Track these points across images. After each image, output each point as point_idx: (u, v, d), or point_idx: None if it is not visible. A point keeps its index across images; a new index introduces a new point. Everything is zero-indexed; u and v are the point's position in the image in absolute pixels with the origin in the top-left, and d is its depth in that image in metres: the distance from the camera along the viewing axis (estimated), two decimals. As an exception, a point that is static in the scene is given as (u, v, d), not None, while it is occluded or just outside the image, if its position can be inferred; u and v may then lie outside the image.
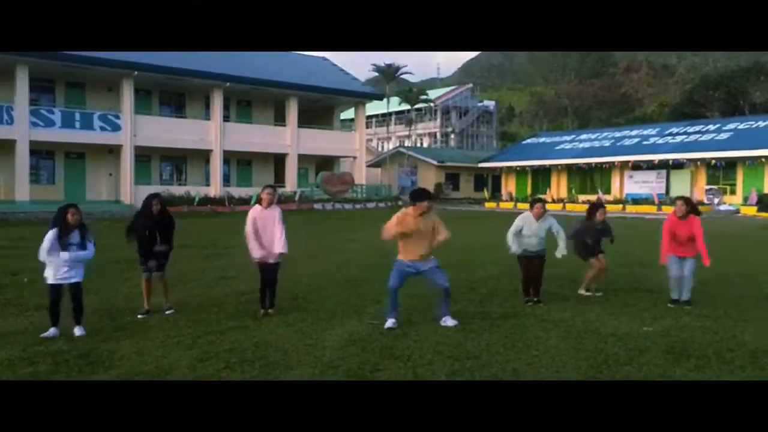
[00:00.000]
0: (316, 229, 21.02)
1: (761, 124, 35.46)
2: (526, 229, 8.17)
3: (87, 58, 27.79)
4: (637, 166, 37.39)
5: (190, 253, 12.88)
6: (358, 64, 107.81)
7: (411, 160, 49.23)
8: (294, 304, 8.09)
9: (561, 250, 8.30)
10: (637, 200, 35.24)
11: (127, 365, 5.51)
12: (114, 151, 31.48)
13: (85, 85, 31.56)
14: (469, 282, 9.91)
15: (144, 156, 32.32)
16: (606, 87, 71.74)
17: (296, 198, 33.32)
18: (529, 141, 50.93)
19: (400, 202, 34.84)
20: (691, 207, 8.20)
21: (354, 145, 39.57)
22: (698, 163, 34.74)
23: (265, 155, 36.95)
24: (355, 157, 39.77)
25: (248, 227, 7.57)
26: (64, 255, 6.46)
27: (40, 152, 29.60)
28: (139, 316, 7.46)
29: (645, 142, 38.74)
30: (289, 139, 36.08)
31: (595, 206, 9.21)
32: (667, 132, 39.52)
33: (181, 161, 34.97)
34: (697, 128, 38.43)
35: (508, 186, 45.87)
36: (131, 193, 30.14)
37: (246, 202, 30.66)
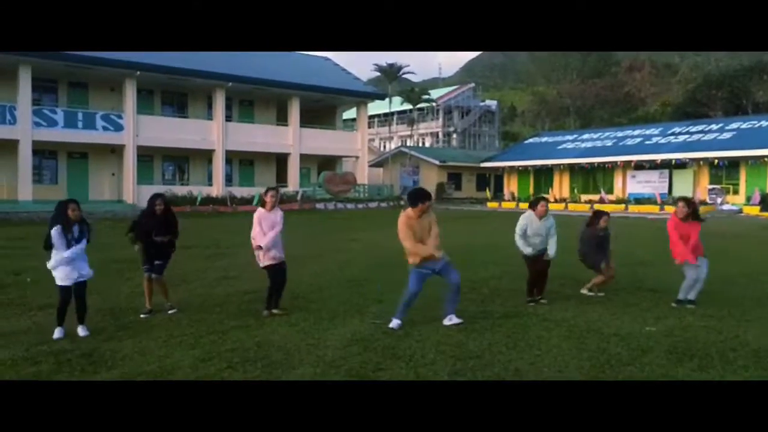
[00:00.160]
0: (318, 229, 21.02)
1: (764, 123, 35.39)
2: (529, 229, 8.15)
3: (90, 58, 27.84)
4: (639, 166, 37.35)
5: (192, 253, 12.89)
6: (360, 64, 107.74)
7: (413, 159, 49.22)
8: (296, 304, 8.09)
9: (551, 250, 8.24)
10: (639, 200, 35.20)
11: (130, 365, 5.51)
12: (117, 150, 31.54)
13: (87, 85, 31.61)
14: (471, 282, 9.89)
15: (146, 156, 32.36)
16: (608, 86, 71.65)
17: (298, 198, 33.33)
18: (531, 141, 50.90)
19: (402, 202, 34.82)
20: (693, 210, 8.16)
21: (356, 144, 39.57)
22: (701, 162, 34.69)
23: (267, 155, 36.98)
24: (357, 157, 39.77)
25: (255, 230, 7.58)
26: (67, 254, 6.47)
27: (43, 152, 29.67)
28: (141, 316, 7.47)
29: (647, 142, 38.69)
30: (292, 138, 36.10)
31: (599, 213, 9.17)
32: (669, 131, 39.47)
33: (183, 161, 35.02)
34: (700, 128, 38.37)
35: (511, 186, 45.84)
36: (134, 192, 30.19)
37: (248, 202, 30.69)
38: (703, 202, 31.63)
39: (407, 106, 61.81)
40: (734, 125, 36.80)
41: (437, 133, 75.88)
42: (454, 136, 75.82)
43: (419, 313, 7.41)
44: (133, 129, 30.53)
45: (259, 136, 35.28)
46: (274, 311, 7.60)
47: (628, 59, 76.63)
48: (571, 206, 35.46)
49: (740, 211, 30.36)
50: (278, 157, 37.42)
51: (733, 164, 33.74)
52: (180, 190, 31.12)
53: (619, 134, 42.73)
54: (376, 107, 59.46)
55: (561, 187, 42.32)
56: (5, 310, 7.86)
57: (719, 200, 32.33)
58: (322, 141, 37.88)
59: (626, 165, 37.99)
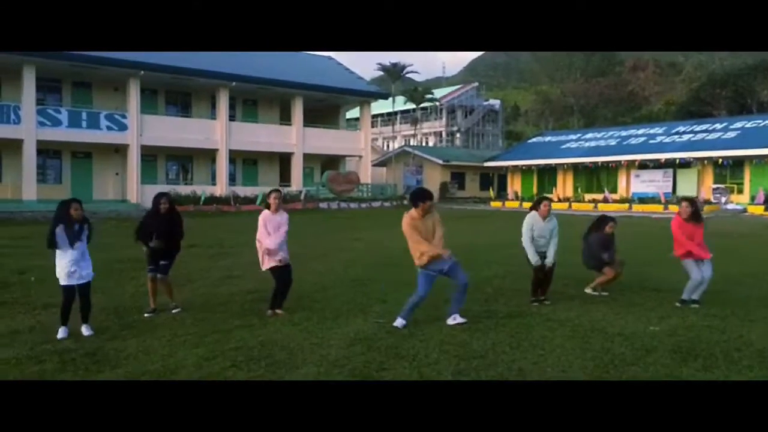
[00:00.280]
0: (322, 229, 21.03)
1: (769, 122, 35.30)
2: (536, 230, 8.08)
3: (94, 58, 27.89)
4: (643, 165, 37.27)
5: (196, 253, 12.91)
6: (363, 64, 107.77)
7: (416, 159, 49.19)
8: (299, 303, 8.09)
9: (550, 259, 8.15)
10: (643, 199, 35.10)
11: (134, 364, 5.53)
12: (120, 150, 31.59)
13: (91, 85, 31.66)
14: (475, 281, 9.86)
15: (150, 155, 32.41)
16: (612, 85, 71.57)
17: (302, 197, 33.34)
18: (534, 140, 50.82)
19: (405, 201, 34.80)
20: (694, 210, 8.15)
21: (359, 144, 39.57)
22: (705, 161, 34.60)
23: (270, 154, 37.00)
24: (360, 157, 39.78)
25: (260, 232, 7.60)
26: (73, 253, 6.48)
27: (47, 152, 29.73)
28: (145, 315, 7.48)
29: (651, 141, 38.60)
30: (295, 138, 36.12)
31: (605, 219, 9.17)
32: (673, 131, 39.37)
33: (187, 160, 35.06)
34: (704, 127, 38.26)
35: (514, 185, 45.78)
36: (138, 192, 30.23)
37: (252, 201, 30.73)
38: (708, 202, 31.55)
39: (410, 106, 61.88)
40: (738, 124, 36.68)
41: (440, 132, 75.85)
42: (458, 135, 75.78)
43: (423, 313, 7.41)
44: (137, 128, 30.58)
45: (262, 135, 35.30)
46: (278, 311, 7.62)
47: (632, 58, 76.56)
48: (575, 206, 35.38)
49: (744, 210, 30.27)
50: (281, 157, 37.44)
51: (738, 163, 33.64)
52: (183, 189, 31.15)
53: (623, 133, 42.64)
54: (380, 107, 59.56)
55: (564, 186, 42.25)
56: (10, 309, 7.88)
57: (723, 200, 32.25)
58: (325, 140, 37.88)
59: (630, 164, 37.90)
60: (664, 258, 8.43)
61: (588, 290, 8.91)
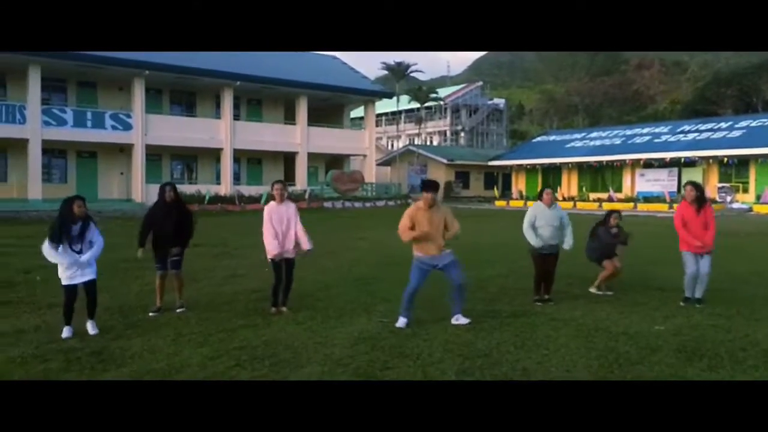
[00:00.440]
0: (326, 228, 21.03)
1: (774, 121, 35.18)
2: (539, 218, 8.12)
3: (99, 58, 27.97)
4: (648, 164, 37.21)
5: (200, 252, 12.92)
6: (367, 63, 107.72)
7: (421, 158, 49.20)
8: (303, 302, 8.10)
9: (568, 242, 8.25)
10: (648, 198, 35.05)
11: (139, 363, 5.54)
12: (125, 150, 31.67)
13: (96, 85, 31.75)
14: (479, 280, 9.88)
15: (155, 155, 32.48)
16: (617, 84, 71.47)
17: (306, 196, 33.37)
18: (539, 139, 50.77)
19: (409, 201, 34.81)
20: (701, 193, 8.11)
21: (364, 143, 39.59)
22: (710, 160, 34.51)
23: (275, 154, 37.04)
24: (364, 156, 39.79)
25: (265, 224, 7.61)
26: (73, 257, 6.46)
27: (53, 151, 29.83)
28: (150, 314, 7.49)
29: (656, 140, 38.53)
30: (299, 137, 36.15)
31: (609, 212, 9.22)
32: (678, 129, 39.29)
33: (191, 160, 35.12)
34: (710, 126, 38.17)
35: (519, 184, 45.76)
36: (142, 191, 30.30)
37: (256, 200, 30.76)
38: (713, 201, 31.46)
39: (415, 105, 61.79)
40: (744, 123, 36.58)
41: (445, 131, 75.79)
42: (462, 134, 75.69)
43: (427, 312, 7.41)
44: (142, 128, 30.65)
45: (267, 134, 35.34)
46: (283, 309, 7.64)
47: (637, 57, 76.37)
48: (580, 205, 35.34)
49: (750, 209, 30.19)
50: (286, 156, 37.48)
51: (743, 162, 33.55)
52: (188, 188, 31.16)
53: (628, 132, 42.57)
54: (384, 106, 59.52)
55: (569, 185, 42.20)
56: (15, 308, 7.90)
57: (729, 198, 32.16)
58: (329, 140, 37.91)
59: (635, 163, 37.84)
60: (668, 257, 8.41)
61: (593, 290, 8.90)
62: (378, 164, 45.70)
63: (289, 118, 37.54)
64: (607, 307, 7.89)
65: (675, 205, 30.07)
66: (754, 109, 53.84)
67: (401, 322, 6.83)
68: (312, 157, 37.25)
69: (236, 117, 34.75)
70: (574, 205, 35.05)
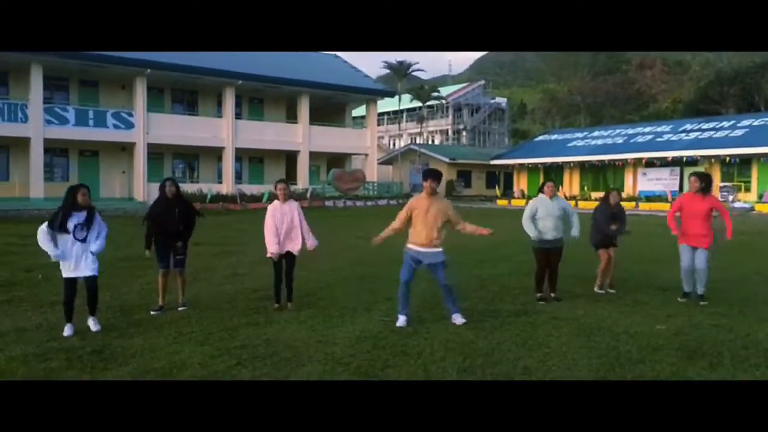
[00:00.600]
0: (327, 226, 21.03)
1: (776, 120, 35.12)
2: (541, 209, 8.12)
3: (101, 57, 28.01)
4: (650, 163, 37.16)
5: (201, 250, 12.93)
6: (369, 62, 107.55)
7: (422, 157, 49.19)
8: (305, 301, 8.10)
9: (575, 231, 8.27)
10: (650, 197, 35.02)
11: (140, 361, 5.54)
12: (127, 148, 31.70)
13: (98, 83, 31.78)
14: (480, 279, 9.89)
15: (157, 153, 32.50)
16: (619, 83, 71.35)
17: (308, 195, 33.38)
18: (541, 138, 50.73)
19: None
20: (706, 183, 8.07)
21: (365, 142, 39.58)
22: (712, 160, 34.46)
23: (276, 152, 37.06)
24: (366, 155, 39.80)
25: (267, 222, 7.68)
26: (74, 244, 6.45)
27: (54, 150, 29.87)
28: (152, 313, 7.49)
29: (658, 139, 38.48)
30: (301, 136, 36.16)
31: (609, 191, 9.22)
32: (680, 128, 39.24)
33: (193, 159, 35.15)
34: (712, 125, 38.12)
35: (520, 183, 45.74)
36: (144, 190, 30.33)
37: (258, 199, 30.78)
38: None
39: (417, 104, 61.83)
40: (746, 122, 36.53)
41: (447, 130, 75.78)
42: (464, 133, 75.67)
43: (428, 311, 7.42)
44: (144, 127, 30.67)
45: (268, 133, 35.36)
46: (288, 305, 7.73)
47: (639, 56, 76.28)
48: (582, 204, 35.30)
49: (752, 208, 30.14)
50: (288, 155, 37.50)
51: (745, 161, 33.50)
52: (190, 187, 31.24)
53: (630, 131, 42.52)
54: (386, 105, 59.54)
55: (571, 184, 42.17)
56: (17, 306, 7.91)
57: (731, 198, 32.10)
58: (331, 138, 37.91)
59: (637, 162, 37.80)
60: (670, 256, 8.39)
61: (596, 289, 8.90)
62: (379, 163, 45.69)
63: (291, 116, 37.55)
64: (608, 306, 7.89)
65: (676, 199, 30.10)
66: (757, 109, 53.72)
67: (401, 320, 6.83)
68: (314, 156, 37.26)
69: (238, 116, 34.77)
70: (576, 204, 34.99)
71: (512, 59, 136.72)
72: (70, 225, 6.44)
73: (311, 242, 7.82)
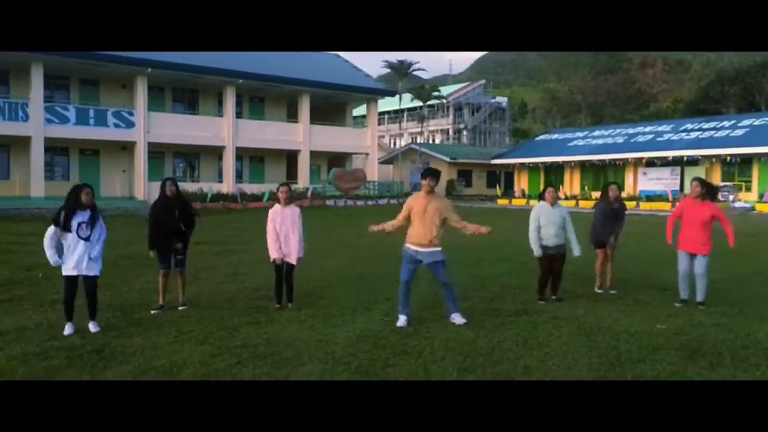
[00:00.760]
0: (328, 226, 21.05)
1: (777, 120, 35.09)
2: (543, 218, 8.07)
3: (101, 56, 27.98)
4: (651, 163, 37.13)
5: (202, 250, 12.93)
6: (370, 61, 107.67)
7: (423, 156, 49.19)
8: (305, 301, 8.10)
9: (575, 249, 8.18)
10: (650, 197, 35.01)
11: (140, 360, 5.54)
12: (128, 147, 31.69)
13: (99, 82, 31.76)
14: (481, 279, 9.89)
15: (157, 152, 32.49)
16: (620, 83, 71.31)
17: (308, 194, 33.37)
18: (541, 137, 50.71)
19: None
20: (708, 189, 8.03)
21: (366, 141, 39.56)
22: (713, 159, 34.45)
23: (277, 152, 37.05)
24: (367, 154, 39.77)
25: (268, 226, 7.73)
26: (75, 242, 6.46)
27: (55, 149, 29.85)
28: (152, 312, 7.49)
29: (659, 139, 38.46)
30: (302, 135, 36.15)
31: (608, 184, 9.18)
32: (681, 128, 39.21)
33: (194, 158, 35.14)
34: (712, 124, 38.10)
35: (521, 183, 45.72)
36: (145, 189, 30.32)
37: (258, 198, 30.78)
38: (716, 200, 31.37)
39: (417, 103, 61.80)
40: (747, 122, 36.50)
41: (447, 130, 75.76)
42: (465, 133, 75.66)
43: (428, 311, 7.42)
44: (144, 126, 30.66)
45: (269, 132, 35.33)
46: (288, 305, 7.76)
47: (640, 56, 76.23)
48: (582, 203, 35.28)
49: (753, 208, 30.12)
50: (288, 154, 37.49)
51: (746, 161, 33.48)
52: (191, 186, 31.22)
53: (631, 131, 42.50)
54: (387, 104, 59.53)
55: (572, 184, 42.15)
56: (17, 305, 7.91)
57: (731, 197, 32.09)
58: (332, 138, 37.90)
59: (637, 162, 37.77)
60: (670, 256, 8.38)
61: (596, 289, 8.89)
62: (380, 162, 45.68)
63: (292, 116, 37.53)
64: (608, 305, 7.89)
65: (677, 204, 30.09)
66: (758, 108, 53.69)
67: (401, 320, 6.82)
68: (314, 155, 37.25)
69: (239, 115, 34.76)
70: (577, 204, 34.99)
71: (513, 58, 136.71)
72: (74, 223, 6.45)
73: (299, 253, 7.80)
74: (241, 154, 35.25)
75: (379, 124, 54.06)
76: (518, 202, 39.36)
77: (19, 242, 14.89)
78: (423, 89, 57.88)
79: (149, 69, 29.97)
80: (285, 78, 34.66)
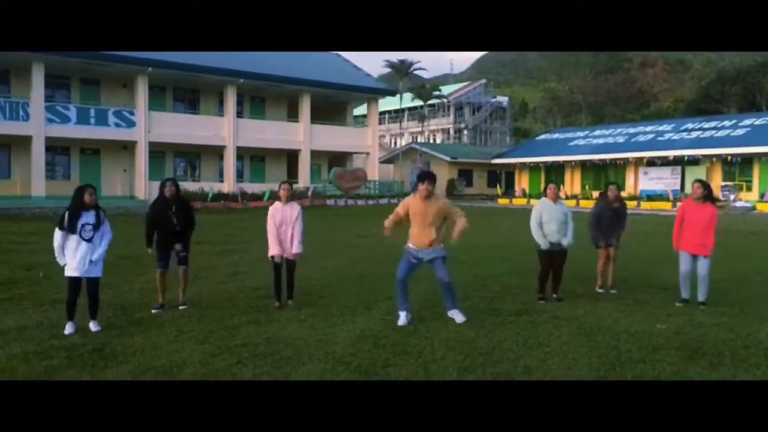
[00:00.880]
0: (329, 225, 21.06)
1: (778, 119, 35.07)
2: (545, 214, 8.12)
3: (102, 55, 27.97)
4: (651, 163, 37.11)
5: (203, 249, 12.93)
6: (370, 60, 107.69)
7: (424, 156, 49.18)
8: (306, 300, 8.11)
9: (568, 239, 8.20)
10: (651, 197, 34.99)
11: (140, 359, 5.54)
12: (128, 147, 31.70)
13: (99, 82, 31.77)
14: (481, 279, 9.89)
15: (158, 152, 32.50)
16: (620, 82, 71.25)
17: (309, 194, 33.37)
18: (542, 137, 50.70)
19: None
20: (709, 192, 8.04)
21: (366, 141, 39.55)
22: (714, 159, 34.42)
23: (278, 151, 37.06)
24: (367, 153, 39.77)
25: (269, 223, 7.74)
26: (78, 243, 6.48)
27: (56, 148, 29.86)
28: (153, 311, 7.50)
29: (660, 138, 38.44)
30: (302, 135, 36.15)
31: (608, 185, 9.18)
32: (682, 128, 39.19)
33: (194, 157, 35.14)
34: (713, 124, 38.07)
35: (522, 182, 45.70)
36: (146, 188, 30.33)
37: (259, 198, 30.78)
38: (717, 199, 31.35)
39: (418, 103, 61.76)
40: (748, 121, 36.47)
41: (448, 129, 75.73)
42: (465, 132, 75.62)
43: (428, 310, 7.43)
44: (145, 125, 30.67)
45: (270, 132, 35.34)
46: (288, 302, 7.79)
47: (641, 55, 76.17)
48: (583, 203, 35.27)
49: (753, 208, 30.11)
50: (289, 154, 37.49)
51: (747, 161, 33.45)
52: (191, 186, 31.23)
53: (631, 130, 42.47)
54: (387, 103, 59.49)
55: (572, 183, 42.13)
56: (18, 304, 7.92)
57: (732, 197, 32.07)
58: (332, 137, 37.90)
59: (638, 161, 37.75)
60: (671, 256, 8.38)
61: (597, 289, 8.89)
62: (381, 162, 45.68)
63: (292, 115, 37.54)
64: (609, 305, 7.88)
65: (678, 203, 30.09)
66: (758, 108, 53.64)
67: (402, 318, 6.83)
68: (315, 154, 37.25)
69: (239, 114, 34.77)
70: (578, 203, 34.98)
71: (514, 58, 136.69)
72: (78, 225, 6.47)
73: (296, 248, 7.78)
74: (242, 153, 35.26)
75: (380, 124, 53.97)
76: (519, 202, 39.35)
77: (19, 241, 14.91)
78: (424, 89, 57.84)
79: (150, 68, 29.98)
80: (286, 77, 34.66)
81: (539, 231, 8.11)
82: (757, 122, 35.79)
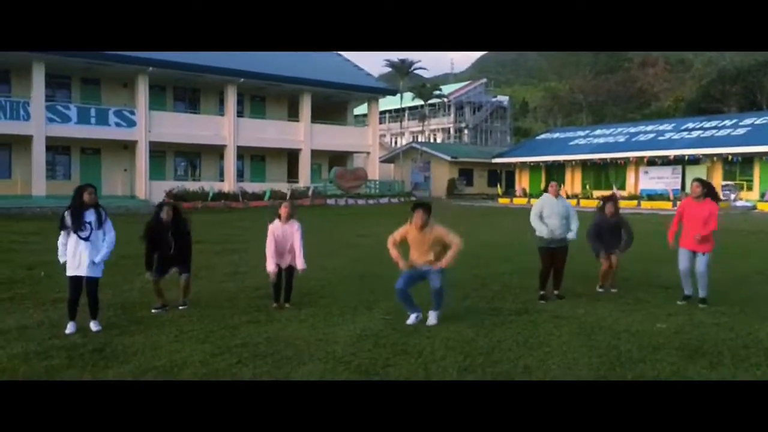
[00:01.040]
0: (329, 225, 21.06)
1: (779, 119, 35.04)
2: (546, 209, 8.18)
3: (103, 55, 27.95)
4: (652, 162, 37.08)
5: (203, 249, 12.92)
6: (371, 60, 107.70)
7: (424, 155, 49.15)
8: (306, 300, 8.12)
9: (572, 234, 8.28)
10: (652, 196, 34.96)
11: (141, 359, 5.55)
12: (129, 146, 31.70)
13: (100, 81, 31.77)
14: (481, 278, 9.89)
15: (159, 151, 32.50)
16: (621, 82, 71.23)
17: (309, 193, 33.37)
18: (543, 136, 50.68)
19: (413, 198, 34.79)
20: (708, 189, 8.02)
21: (367, 140, 39.54)
22: (714, 158, 34.40)
23: (278, 151, 37.05)
24: (368, 153, 39.75)
25: (268, 242, 7.75)
26: (78, 242, 6.49)
27: (56, 148, 29.85)
28: (153, 311, 7.50)
29: (660, 138, 38.42)
30: (303, 134, 36.14)
31: (604, 200, 9.18)
32: (683, 127, 39.16)
33: (195, 157, 35.14)
34: (714, 123, 38.05)
35: (522, 182, 45.67)
36: (146, 188, 30.35)
37: (259, 197, 30.79)
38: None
39: (419, 102, 61.75)
40: (748, 121, 36.44)
41: (449, 128, 75.69)
42: (466, 131, 75.58)
43: (428, 310, 7.41)
44: (146, 125, 30.67)
45: (270, 131, 35.32)
46: (286, 305, 7.78)
47: (641, 55, 76.14)
48: (583, 202, 35.27)
49: (754, 207, 30.09)
50: (289, 153, 37.48)
51: (747, 160, 33.43)
52: (192, 185, 31.24)
53: (632, 130, 42.44)
54: (388, 103, 59.44)
55: (573, 183, 42.10)
56: (18, 304, 7.92)
57: (733, 197, 32.06)
58: (333, 137, 37.89)
59: (639, 161, 37.72)
60: (671, 255, 8.38)
61: (598, 288, 8.89)
62: (381, 161, 45.66)
63: (293, 115, 37.53)
64: (609, 305, 7.89)
65: (679, 203, 30.02)
66: (759, 107, 53.60)
67: (411, 318, 6.90)
68: (315, 154, 37.23)
69: (240, 114, 34.75)
70: (578, 203, 34.97)
71: (514, 58, 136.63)
72: (80, 222, 6.48)
73: (301, 264, 7.82)
74: (243, 153, 35.24)
75: (380, 123, 53.93)
76: (519, 201, 39.32)
77: (20, 241, 14.92)
78: (424, 88, 57.84)
79: (150, 68, 29.97)
80: (286, 77, 34.65)
81: (539, 222, 8.16)
82: (757, 122, 35.76)
